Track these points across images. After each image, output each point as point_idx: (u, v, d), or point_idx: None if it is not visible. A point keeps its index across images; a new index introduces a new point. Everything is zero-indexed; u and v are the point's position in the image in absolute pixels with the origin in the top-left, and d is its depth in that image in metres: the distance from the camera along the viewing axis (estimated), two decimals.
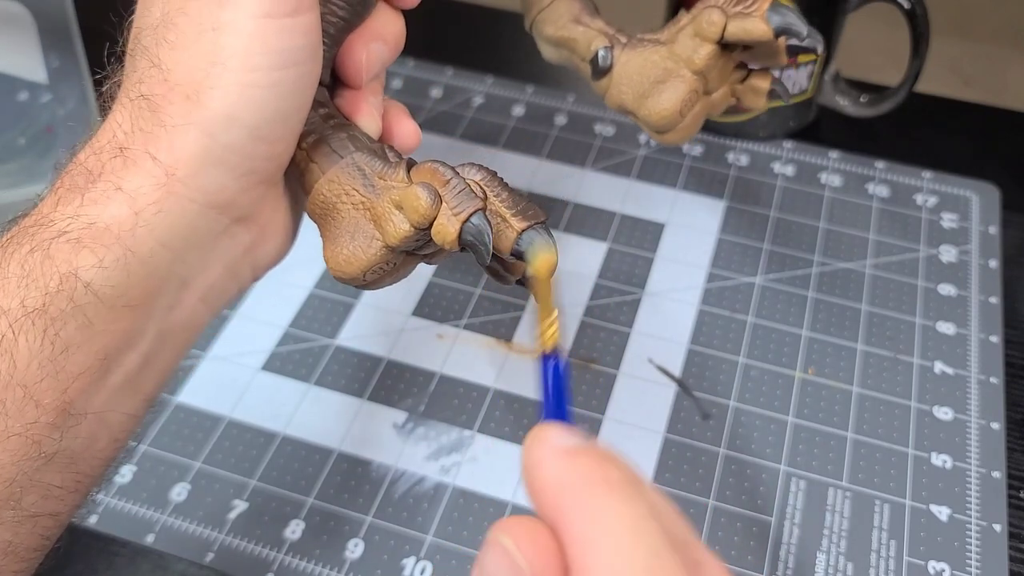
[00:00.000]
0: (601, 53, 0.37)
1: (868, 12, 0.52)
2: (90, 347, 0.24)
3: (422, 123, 0.56)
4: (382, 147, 0.29)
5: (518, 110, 0.57)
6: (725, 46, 0.35)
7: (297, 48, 0.25)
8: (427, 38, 0.62)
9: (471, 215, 0.26)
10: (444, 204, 0.26)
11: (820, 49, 0.34)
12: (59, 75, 0.51)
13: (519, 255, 0.27)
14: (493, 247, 0.27)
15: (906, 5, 0.49)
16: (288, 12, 0.25)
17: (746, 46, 0.36)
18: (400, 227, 0.26)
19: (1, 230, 0.25)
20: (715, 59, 0.35)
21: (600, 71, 0.37)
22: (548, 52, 0.40)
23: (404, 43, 0.32)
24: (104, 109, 0.27)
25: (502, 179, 0.28)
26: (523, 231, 0.27)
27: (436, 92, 0.58)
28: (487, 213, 0.27)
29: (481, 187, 0.27)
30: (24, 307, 0.23)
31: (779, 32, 0.34)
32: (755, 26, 0.34)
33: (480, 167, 0.28)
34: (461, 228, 0.26)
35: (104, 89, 0.27)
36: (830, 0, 0.50)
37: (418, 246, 0.28)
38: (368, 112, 0.30)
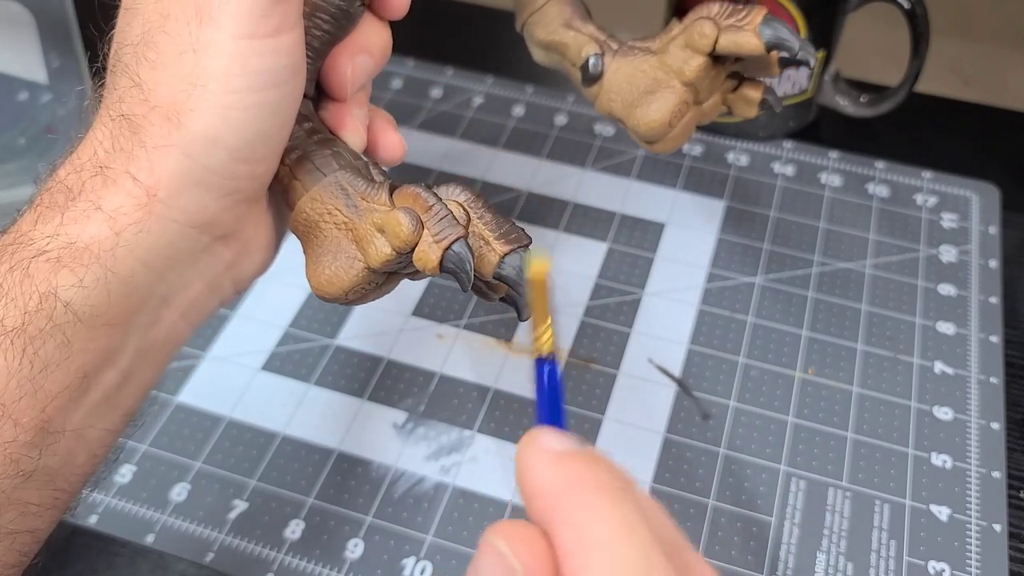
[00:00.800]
0: (592, 60, 0.37)
1: (868, 12, 0.52)
2: (69, 366, 0.24)
3: (422, 123, 0.56)
4: (366, 164, 0.29)
5: (518, 110, 0.57)
6: (717, 58, 0.35)
7: (279, 68, 0.25)
8: (427, 38, 0.62)
9: (453, 243, 0.26)
10: (426, 231, 0.26)
11: (812, 63, 0.34)
12: (59, 75, 0.51)
13: (501, 278, 0.27)
14: (475, 271, 0.26)
15: (906, 5, 0.49)
16: (270, 32, 0.25)
17: (738, 57, 0.35)
18: (382, 250, 0.26)
19: None
20: (706, 71, 0.35)
21: (590, 78, 0.37)
22: (539, 55, 0.40)
23: (390, 53, 0.31)
24: (87, 123, 0.26)
25: (486, 200, 0.28)
26: (505, 255, 0.27)
27: (436, 92, 0.58)
28: (470, 235, 0.27)
29: (464, 209, 0.27)
30: (3, 326, 0.23)
31: (771, 47, 0.34)
32: (747, 40, 0.34)
33: (464, 188, 0.28)
34: (442, 255, 0.26)
35: (85, 103, 0.27)
36: (830, 0, 0.50)
37: (400, 267, 0.27)
38: (353, 126, 0.30)
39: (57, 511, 0.26)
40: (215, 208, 0.26)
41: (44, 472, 0.24)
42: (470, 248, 0.26)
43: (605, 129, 0.56)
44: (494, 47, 0.62)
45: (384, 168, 0.30)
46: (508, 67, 0.60)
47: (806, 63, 0.34)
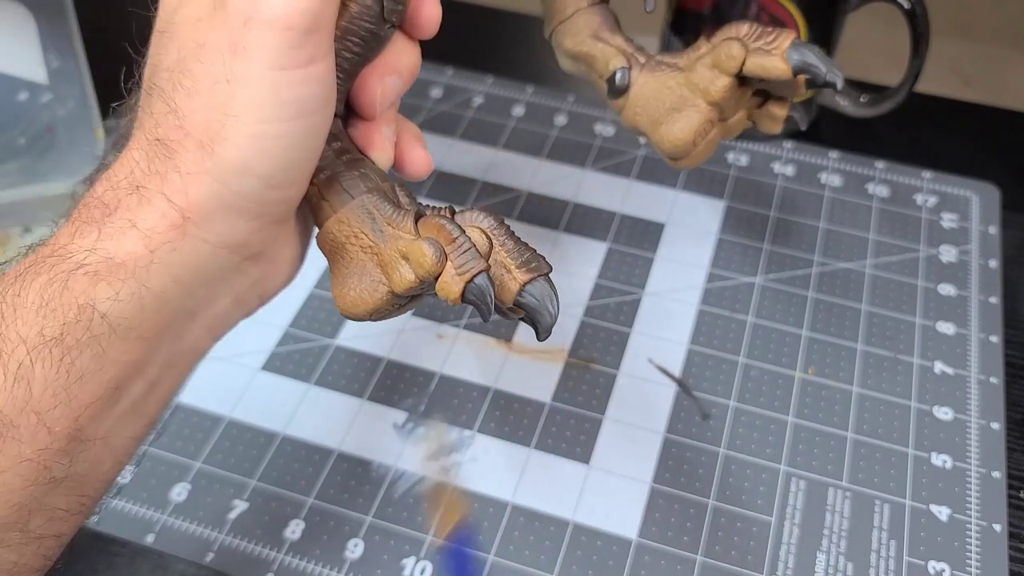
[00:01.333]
0: (619, 73, 0.36)
1: (868, 12, 0.52)
2: (102, 376, 0.25)
3: (422, 123, 0.56)
4: (392, 187, 0.30)
5: (518, 110, 0.57)
6: (743, 77, 0.35)
7: (310, 97, 0.26)
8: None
9: (475, 276, 0.26)
10: (449, 262, 0.27)
11: (840, 86, 0.34)
12: (59, 75, 0.51)
13: (521, 306, 0.28)
14: (496, 298, 0.27)
15: (906, 5, 0.49)
16: (302, 63, 0.25)
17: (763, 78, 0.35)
18: (406, 277, 0.27)
19: (18, 259, 0.26)
20: (731, 91, 0.35)
21: (616, 91, 0.37)
22: (566, 64, 0.40)
23: (419, 71, 0.32)
24: (122, 142, 0.27)
25: (509, 228, 0.28)
26: (525, 284, 0.27)
27: (436, 92, 0.58)
28: (491, 262, 0.27)
29: (487, 236, 0.28)
30: (42, 336, 0.24)
31: (798, 71, 0.33)
32: (774, 64, 0.33)
33: (488, 213, 0.28)
34: (464, 288, 0.26)
35: (123, 122, 0.28)
36: (830, 0, 0.50)
37: (423, 291, 0.28)
38: (381, 145, 0.30)
39: (82, 516, 0.27)
40: (246, 230, 0.26)
41: (73, 479, 0.25)
42: (491, 280, 0.27)
43: (605, 129, 0.56)
44: (494, 47, 0.62)
45: (409, 190, 0.31)
46: (508, 67, 0.60)
47: (833, 87, 0.34)
